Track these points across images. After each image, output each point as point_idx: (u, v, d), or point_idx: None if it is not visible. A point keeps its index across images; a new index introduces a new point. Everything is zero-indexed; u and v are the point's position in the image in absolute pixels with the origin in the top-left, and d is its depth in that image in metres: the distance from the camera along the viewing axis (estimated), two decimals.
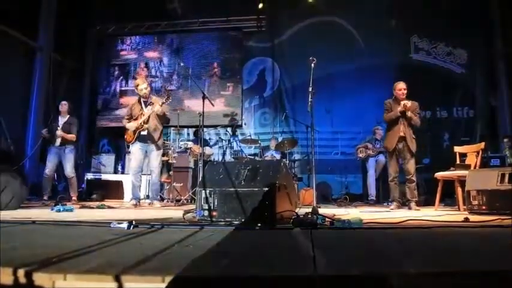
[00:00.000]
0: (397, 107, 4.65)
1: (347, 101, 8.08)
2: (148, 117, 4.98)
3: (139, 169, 5.16)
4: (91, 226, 2.32)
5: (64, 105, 5.81)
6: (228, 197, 2.53)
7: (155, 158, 5.15)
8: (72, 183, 5.73)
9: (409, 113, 4.60)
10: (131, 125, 5.03)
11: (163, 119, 5.15)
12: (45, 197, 5.51)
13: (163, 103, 5.01)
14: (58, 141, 5.59)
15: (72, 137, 5.65)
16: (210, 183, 2.65)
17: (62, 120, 5.73)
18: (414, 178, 4.60)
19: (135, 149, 5.08)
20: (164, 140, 7.51)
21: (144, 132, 4.99)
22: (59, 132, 5.57)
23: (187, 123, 8.12)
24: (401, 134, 4.63)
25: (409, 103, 4.58)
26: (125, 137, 5.20)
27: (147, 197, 5.79)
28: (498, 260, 1.30)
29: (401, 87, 4.75)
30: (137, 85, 5.12)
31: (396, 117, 4.64)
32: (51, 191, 5.76)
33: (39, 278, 0.99)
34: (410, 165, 4.61)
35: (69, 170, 5.66)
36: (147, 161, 5.32)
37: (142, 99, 5.12)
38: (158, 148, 5.16)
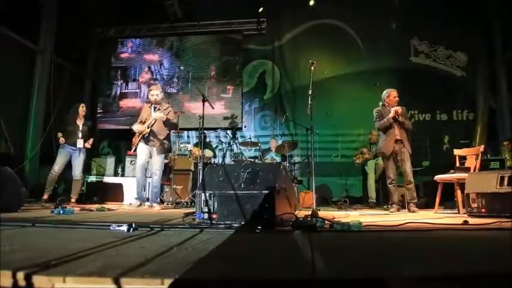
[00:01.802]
0: (388, 113, 4.78)
1: (347, 104, 8.09)
2: (155, 121, 5.13)
3: (144, 167, 5.26)
4: (91, 228, 2.32)
5: (84, 108, 5.90)
6: (228, 199, 2.53)
7: (157, 160, 5.23)
8: (77, 185, 5.77)
9: (401, 118, 4.73)
10: (136, 127, 5.21)
11: (168, 124, 5.27)
12: (45, 196, 5.46)
13: (164, 110, 5.23)
14: (81, 143, 5.67)
15: (89, 145, 5.84)
16: (210, 186, 2.65)
17: (80, 123, 5.80)
18: (412, 180, 4.67)
19: (141, 147, 5.20)
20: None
21: (146, 135, 5.13)
22: (88, 144, 5.77)
23: (187, 126, 8.13)
24: (398, 137, 4.73)
25: (400, 109, 4.71)
26: (133, 139, 5.31)
27: (147, 199, 5.80)
28: (498, 263, 1.30)
29: (395, 94, 4.90)
30: (151, 90, 5.35)
31: (389, 123, 4.75)
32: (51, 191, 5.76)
33: (38, 280, 1.00)
34: (408, 167, 4.68)
35: (78, 171, 5.73)
36: (149, 164, 5.37)
37: (153, 105, 5.29)
38: (160, 152, 5.24)
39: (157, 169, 5.24)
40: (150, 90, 5.37)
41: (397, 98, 4.87)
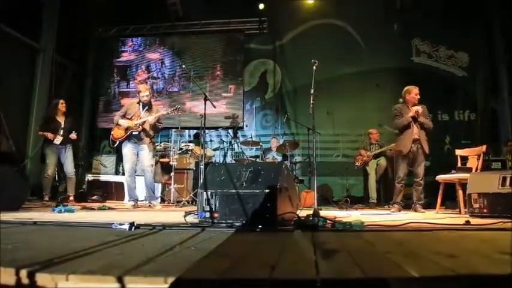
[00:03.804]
0: (407, 111, 4.64)
1: (348, 104, 8.09)
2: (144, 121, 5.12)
3: (133, 170, 5.25)
4: (92, 227, 2.32)
5: (64, 105, 5.83)
6: (230, 198, 2.53)
7: (147, 157, 5.21)
8: (72, 182, 5.76)
9: (421, 118, 4.58)
10: (124, 122, 5.09)
11: (156, 127, 5.29)
12: (46, 198, 5.51)
13: (167, 113, 5.27)
14: (59, 140, 5.60)
15: (75, 136, 5.74)
16: (211, 185, 2.65)
17: (61, 119, 5.75)
18: (422, 182, 4.60)
19: (127, 150, 5.16)
20: (165, 141, 7.56)
21: (136, 133, 5.09)
22: (73, 135, 5.69)
23: (189, 125, 8.13)
24: (416, 136, 4.59)
25: (420, 108, 4.57)
26: (112, 132, 5.20)
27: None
28: (499, 264, 1.29)
29: (417, 92, 4.71)
30: (140, 91, 5.27)
31: (408, 123, 4.62)
32: (50, 191, 5.76)
33: (41, 278, 1.00)
34: (421, 169, 4.60)
35: (70, 169, 5.71)
36: (139, 162, 5.36)
37: (141, 104, 5.25)
38: (150, 149, 5.27)
39: (148, 165, 5.26)
40: (140, 91, 5.25)
41: (418, 96, 4.69)
